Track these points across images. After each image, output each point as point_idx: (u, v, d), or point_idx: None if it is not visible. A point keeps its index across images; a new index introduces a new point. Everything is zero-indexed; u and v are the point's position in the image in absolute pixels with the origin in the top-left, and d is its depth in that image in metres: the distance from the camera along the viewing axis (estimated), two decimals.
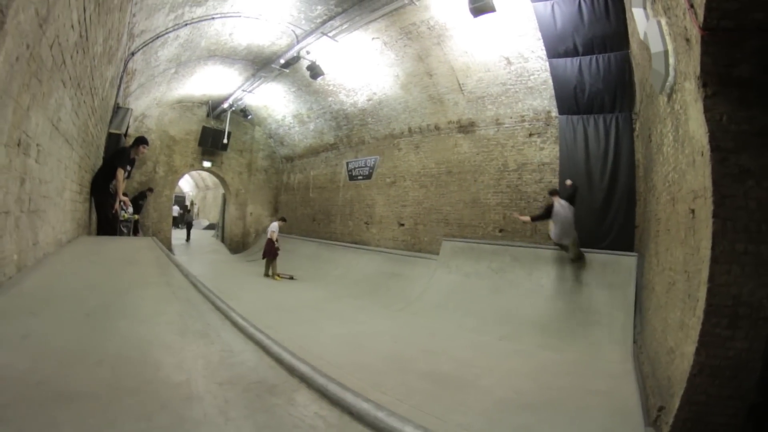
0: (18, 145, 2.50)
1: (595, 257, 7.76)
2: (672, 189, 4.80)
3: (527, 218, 8.15)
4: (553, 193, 7.69)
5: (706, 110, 3.29)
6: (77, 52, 3.70)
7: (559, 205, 7.51)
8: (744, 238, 3.17)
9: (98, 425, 1.02)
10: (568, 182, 7.76)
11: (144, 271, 3.84)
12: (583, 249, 7.93)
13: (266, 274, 12.65)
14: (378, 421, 1.19)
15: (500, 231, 10.05)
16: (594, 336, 6.70)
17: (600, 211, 8.03)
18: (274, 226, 12.79)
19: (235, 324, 2.17)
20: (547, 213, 7.61)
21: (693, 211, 3.82)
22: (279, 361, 1.63)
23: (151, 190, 15.46)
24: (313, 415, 1.25)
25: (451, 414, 4.23)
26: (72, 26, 3.23)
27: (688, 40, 3.49)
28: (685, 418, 3.40)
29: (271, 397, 1.34)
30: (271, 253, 12.63)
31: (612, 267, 7.42)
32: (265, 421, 1.16)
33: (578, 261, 7.83)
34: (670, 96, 4.58)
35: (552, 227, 7.74)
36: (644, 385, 4.91)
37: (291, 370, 1.55)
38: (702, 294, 3.32)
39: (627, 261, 7.36)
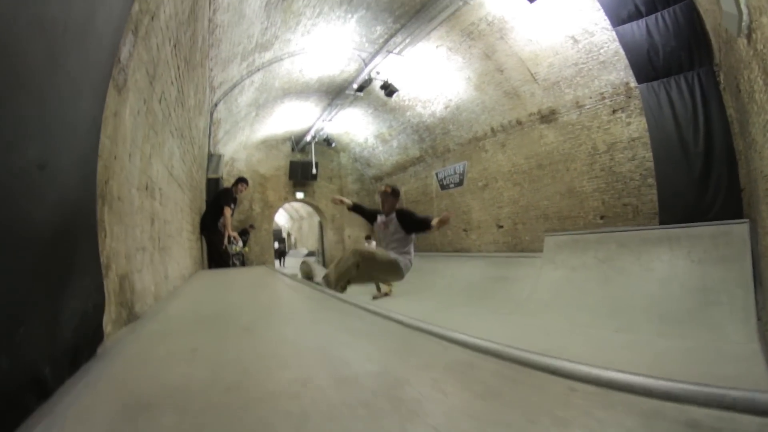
0: (146, 188, 2.99)
1: (704, 230, 7.53)
2: None
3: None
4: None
5: None
6: (178, 106, 4.46)
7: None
8: None
9: (313, 416, 1.04)
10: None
11: (278, 291, 4.22)
12: (690, 224, 7.74)
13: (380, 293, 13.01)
14: (583, 373, 1.25)
15: (601, 218, 10.11)
16: (714, 317, 6.51)
17: (700, 180, 7.76)
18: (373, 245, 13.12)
19: (398, 321, 2.19)
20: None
21: None
22: (461, 343, 1.68)
23: (252, 226, 17.15)
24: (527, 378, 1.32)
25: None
26: (172, 82, 3.94)
27: None
28: None
29: (473, 371, 1.40)
30: None
31: (723, 239, 7.19)
32: (481, 389, 1.23)
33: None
34: (749, 37, 4.43)
35: None
36: None
37: (477, 349, 1.61)
38: None
39: (739, 229, 7.08)
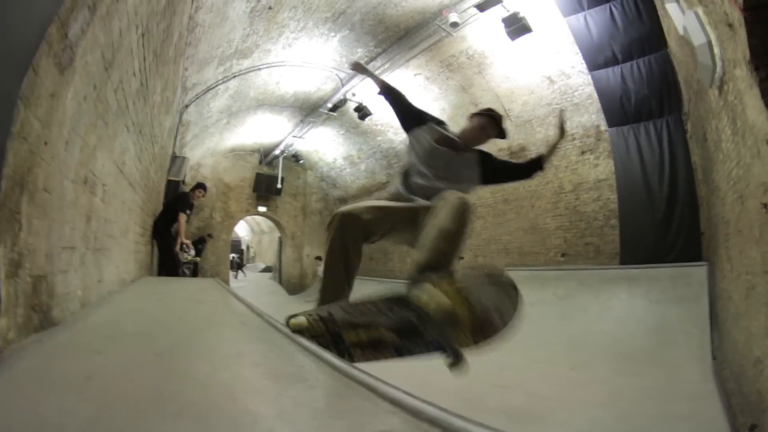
0: (84, 182, 2.67)
1: (663, 272, 7.56)
2: (738, 186, 4.60)
3: None
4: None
5: (764, 94, 3.14)
6: (138, 100, 4.06)
7: None
8: None
9: None
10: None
11: (213, 310, 3.78)
12: (649, 264, 7.80)
13: None
14: None
15: (562, 255, 10.02)
16: (670, 356, 6.50)
17: (663, 222, 7.87)
18: None
19: (333, 366, 1.84)
20: None
21: (765, 205, 3.61)
22: (399, 404, 1.38)
23: (210, 236, 16.48)
24: None
25: None
26: (134, 73, 3.57)
27: (730, 26, 3.44)
28: None
29: None
30: None
31: (682, 280, 7.22)
32: None
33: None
34: (720, 88, 4.47)
35: None
36: (730, 403, 4.68)
37: (416, 414, 1.31)
38: None
39: (697, 271, 7.12)
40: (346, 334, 2.07)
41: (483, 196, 12.08)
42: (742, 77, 3.53)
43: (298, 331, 2.16)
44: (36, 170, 1.78)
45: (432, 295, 2.07)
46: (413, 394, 1.41)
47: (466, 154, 3.12)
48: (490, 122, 3.21)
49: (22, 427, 1.06)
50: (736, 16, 3.18)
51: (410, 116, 3.41)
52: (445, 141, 3.09)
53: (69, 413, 1.16)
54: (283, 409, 1.39)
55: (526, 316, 6.95)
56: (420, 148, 3.08)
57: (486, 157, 3.25)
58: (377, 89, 3.72)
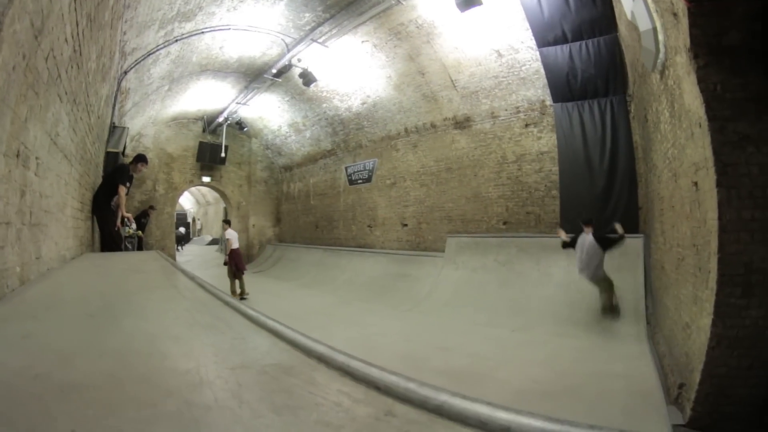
0: (17, 156, 2.53)
1: None
2: (673, 165, 4.81)
3: (565, 238, 7.29)
4: (586, 223, 6.96)
5: (700, 81, 3.33)
6: (72, 67, 3.76)
7: (584, 239, 6.92)
8: (750, 204, 3.20)
9: (97, 415, 0.97)
10: (618, 228, 6.90)
11: (150, 277, 3.87)
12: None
13: (235, 293, 11.14)
14: (410, 392, 1.14)
15: (504, 223, 10.08)
16: (606, 321, 6.71)
17: (602, 196, 8.04)
18: (232, 234, 11.59)
19: (245, 315, 2.11)
20: (572, 242, 7.11)
21: (696, 183, 3.83)
22: (294, 344, 1.59)
23: (153, 207, 15.53)
24: (336, 392, 1.21)
25: None
26: (66, 40, 3.28)
27: (675, 15, 3.55)
28: (707, 392, 3.41)
29: (288, 378, 1.30)
30: (241, 266, 11.46)
31: (619, 250, 7.33)
32: (283, 401, 1.13)
33: (607, 314, 6.78)
34: (662, 73, 4.61)
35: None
36: (662, 364, 4.93)
37: (308, 352, 1.50)
38: (713, 265, 3.33)
39: (633, 243, 7.36)
40: None
41: (427, 164, 12.10)
42: (682, 64, 3.68)
43: None
44: None
45: None
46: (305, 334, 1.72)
47: None
48: None
49: None
50: (681, 6, 3.29)
51: None
52: None
53: (2, 364, 1.29)
54: (190, 349, 1.62)
55: (469, 281, 7.07)
56: None
57: None
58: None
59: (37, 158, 2.97)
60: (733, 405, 3.33)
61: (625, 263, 7.30)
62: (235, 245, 11.37)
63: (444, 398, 1.03)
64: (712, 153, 3.27)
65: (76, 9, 3.37)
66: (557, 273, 8.07)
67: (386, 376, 1.20)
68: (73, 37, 3.49)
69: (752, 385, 3.26)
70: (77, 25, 3.56)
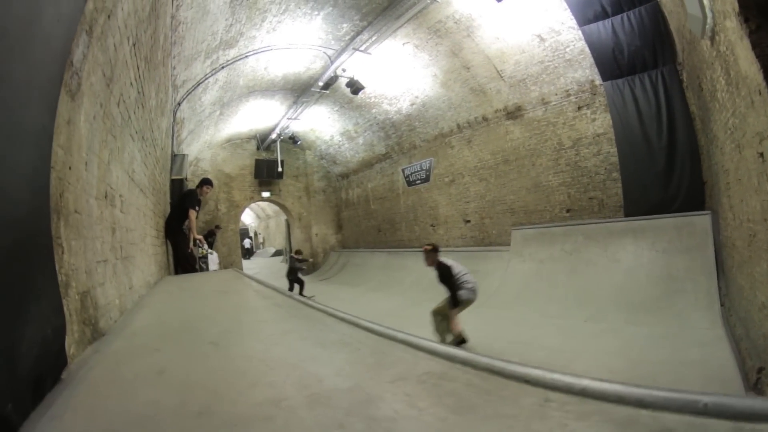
0: (105, 197, 2.84)
1: (668, 222, 7.67)
2: (735, 135, 4.59)
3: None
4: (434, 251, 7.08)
5: (755, 46, 3.18)
6: (138, 108, 4.22)
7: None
8: None
9: None
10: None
11: (245, 298, 4.09)
12: (654, 216, 7.86)
13: None
14: (557, 381, 1.24)
15: (567, 211, 10.16)
16: (679, 304, 6.65)
17: (664, 173, 7.89)
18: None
19: (370, 330, 2.11)
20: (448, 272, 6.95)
21: (762, 154, 3.64)
22: (434, 353, 1.63)
23: (218, 227, 16.81)
24: (496, 389, 1.30)
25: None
26: (131, 83, 3.72)
27: None
28: None
29: (448, 383, 1.36)
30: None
31: (687, 229, 7.33)
32: (455, 403, 1.21)
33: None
34: (712, 39, 4.45)
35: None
36: (739, 348, 4.79)
37: (450, 359, 1.56)
38: None
39: (701, 220, 7.22)
40: None
41: (483, 158, 12.27)
42: (733, 29, 3.53)
43: None
44: (66, 195, 1.94)
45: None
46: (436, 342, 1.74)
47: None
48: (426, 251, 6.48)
49: (126, 416, 1.26)
50: None
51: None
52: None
53: (157, 402, 1.35)
54: (339, 367, 1.64)
55: (537, 273, 7.24)
56: None
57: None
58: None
59: (120, 196, 3.37)
60: None
61: (693, 243, 7.17)
62: None
63: (586, 383, 1.13)
64: None
65: (135, 54, 3.81)
66: (625, 258, 8.02)
67: (530, 370, 1.33)
68: (136, 80, 3.95)
69: None
70: (138, 68, 4.01)
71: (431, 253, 7.21)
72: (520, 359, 4.40)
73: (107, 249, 2.84)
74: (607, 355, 5.68)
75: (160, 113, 6.64)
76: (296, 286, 12.90)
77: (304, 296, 12.98)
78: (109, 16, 2.69)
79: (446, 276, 6.86)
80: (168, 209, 7.91)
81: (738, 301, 5.34)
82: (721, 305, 6.24)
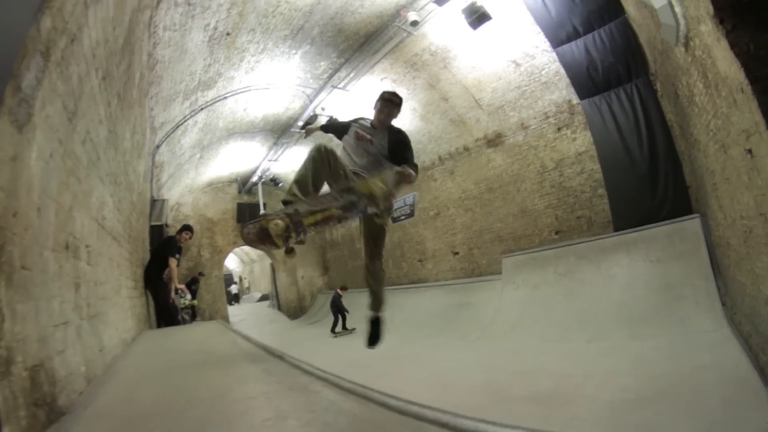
0: (66, 248, 2.50)
1: (658, 231, 7.61)
2: (719, 136, 4.66)
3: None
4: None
5: (733, 45, 3.26)
6: (110, 148, 3.94)
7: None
8: None
9: None
10: None
11: (230, 361, 3.63)
12: (643, 227, 7.80)
13: None
14: None
15: (556, 233, 10.00)
16: (681, 311, 6.52)
17: (648, 183, 7.92)
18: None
19: (386, 406, 1.84)
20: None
21: (750, 150, 3.70)
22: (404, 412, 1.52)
23: (202, 274, 16.20)
24: None
25: (568, 431, 4.20)
26: (101, 121, 3.44)
27: None
28: None
29: None
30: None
31: (678, 235, 7.26)
32: None
33: None
34: (686, 45, 4.54)
35: None
36: (749, 345, 4.72)
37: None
38: None
39: (691, 225, 7.19)
40: (305, 220, 3.11)
41: (467, 188, 12.15)
42: (708, 32, 3.62)
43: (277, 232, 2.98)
44: (9, 248, 1.61)
45: (365, 185, 3.41)
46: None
47: (383, 132, 4.05)
48: (390, 101, 4.08)
49: None
50: None
51: (339, 130, 4.34)
52: (362, 135, 4.07)
53: None
54: None
55: (532, 298, 6.96)
56: (348, 148, 4.13)
57: (396, 132, 4.18)
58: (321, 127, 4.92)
59: (87, 246, 3.02)
60: None
61: (686, 248, 7.10)
62: None
63: None
64: (762, 115, 3.14)
65: (105, 89, 3.54)
66: (620, 273, 7.88)
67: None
68: (106, 117, 3.67)
69: None
70: (109, 105, 3.73)
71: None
72: (527, 391, 4.39)
73: (69, 309, 2.47)
74: (617, 374, 5.44)
75: (137, 155, 6.38)
76: (339, 318, 13.86)
77: (346, 329, 13.65)
78: (72, 41, 2.43)
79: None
80: (147, 257, 7.51)
81: (740, 298, 5.31)
82: (723, 305, 6.16)
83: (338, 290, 14.80)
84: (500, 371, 6.56)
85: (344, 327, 13.74)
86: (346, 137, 4.18)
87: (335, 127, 4.53)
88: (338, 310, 13.90)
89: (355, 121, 4.25)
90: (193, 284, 14.86)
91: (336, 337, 13.29)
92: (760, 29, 3.21)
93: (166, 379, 2.91)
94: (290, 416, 1.87)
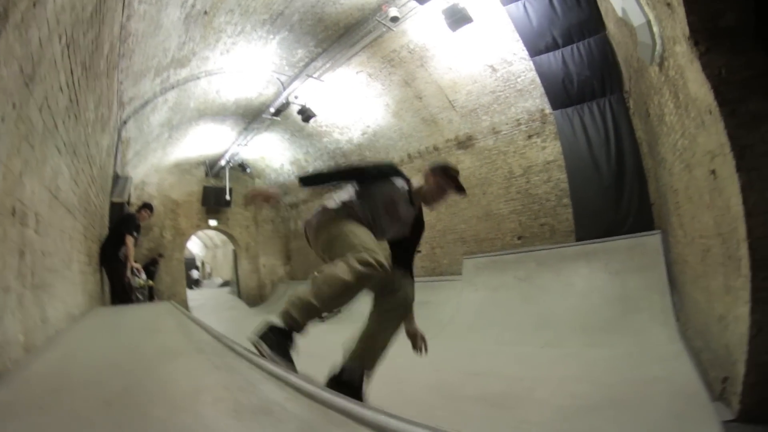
0: (13, 213, 2.39)
1: (619, 244, 7.71)
2: (684, 156, 4.74)
3: None
4: None
5: (705, 67, 3.31)
6: (69, 117, 3.74)
7: None
8: None
9: None
10: None
11: (169, 339, 3.52)
12: (605, 238, 7.90)
13: None
14: None
15: (519, 238, 10.05)
16: (636, 323, 6.56)
17: (613, 197, 8.03)
18: None
19: (301, 392, 1.73)
20: None
21: (713, 171, 3.75)
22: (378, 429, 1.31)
23: (161, 255, 15.68)
24: None
25: None
26: (61, 89, 3.26)
27: (669, 5, 3.57)
28: (754, 382, 3.28)
29: None
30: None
31: (638, 249, 7.36)
32: None
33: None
34: (661, 65, 4.60)
35: None
36: (700, 360, 4.76)
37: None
38: (744, 252, 3.23)
39: (652, 240, 7.30)
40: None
41: None
42: (683, 53, 3.64)
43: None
44: None
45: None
46: (394, 414, 1.35)
47: (409, 213, 3.13)
48: (449, 181, 3.10)
49: None
50: None
51: (364, 177, 3.17)
52: (395, 203, 3.06)
53: None
54: None
55: (491, 301, 6.87)
56: (368, 211, 3.04)
57: (421, 223, 3.32)
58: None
59: (36, 214, 2.87)
60: None
61: (645, 262, 7.20)
62: None
63: None
64: (728, 138, 3.21)
65: (69, 57, 3.35)
66: (579, 282, 7.93)
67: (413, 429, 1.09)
68: (68, 86, 3.48)
69: None
70: (72, 73, 3.53)
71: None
72: (478, 391, 4.13)
73: (11, 276, 2.36)
74: (569, 380, 5.35)
75: (101, 129, 6.03)
76: None
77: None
78: (34, 4, 2.28)
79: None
80: (105, 234, 7.17)
81: (694, 314, 5.39)
82: (677, 320, 6.23)
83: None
84: (453, 371, 6.40)
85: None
86: (371, 190, 3.07)
87: (354, 172, 3.19)
88: None
89: (392, 174, 3.13)
90: (151, 265, 14.40)
91: (324, 321, 12.88)
92: (734, 54, 3.27)
93: (101, 352, 2.89)
94: (205, 392, 1.85)
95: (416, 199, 3.08)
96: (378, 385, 6.07)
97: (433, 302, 10.66)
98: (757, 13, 3.18)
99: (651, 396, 4.38)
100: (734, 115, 3.21)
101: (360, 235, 2.74)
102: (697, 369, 4.60)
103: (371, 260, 2.51)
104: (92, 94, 4.80)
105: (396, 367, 6.83)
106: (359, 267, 2.49)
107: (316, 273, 2.77)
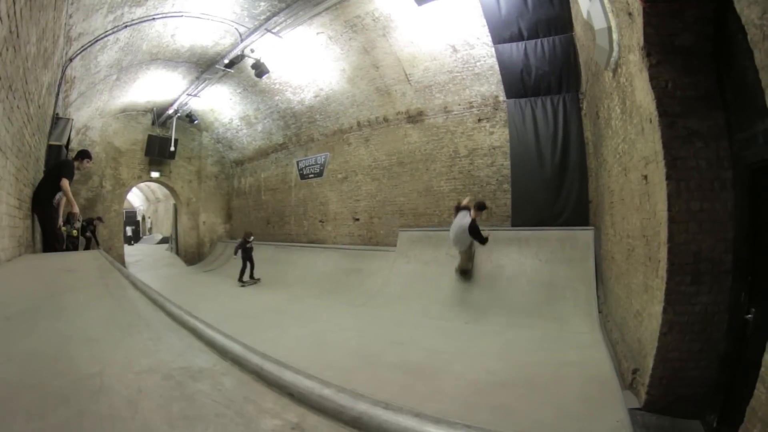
0: None
1: (552, 234, 7.82)
2: (623, 159, 4.88)
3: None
4: (479, 208, 7.76)
5: (652, 78, 3.39)
6: (7, 50, 3.28)
7: (462, 219, 7.64)
8: (698, 196, 3.27)
9: None
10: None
11: (82, 276, 3.53)
12: (540, 227, 7.99)
13: None
14: (324, 399, 0.99)
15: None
16: (560, 310, 6.73)
17: (553, 190, 8.10)
18: None
19: (168, 313, 1.92)
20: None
21: (646, 177, 3.90)
22: (211, 344, 1.43)
23: (100, 219, 13.93)
24: (242, 400, 1.08)
25: (427, 402, 4.09)
26: (0, 18, 2.86)
27: (630, 14, 3.60)
28: (661, 376, 3.47)
29: (194, 383, 1.16)
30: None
31: (570, 242, 7.50)
32: (181, 411, 0.99)
33: (461, 274, 8.14)
34: (615, 71, 4.64)
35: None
36: (615, 351, 4.95)
37: (223, 353, 1.36)
38: (663, 255, 3.40)
39: (584, 235, 7.46)
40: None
41: (379, 158, 11.94)
42: (635, 62, 3.74)
43: None
44: None
45: None
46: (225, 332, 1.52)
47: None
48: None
49: None
50: (636, 6, 3.33)
51: None
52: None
53: None
54: (100, 351, 1.40)
55: (422, 275, 6.84)
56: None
57: None
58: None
59: None
60: (686, 387, 3.39)
61: (576, 255, 7.34)
62: None
63: (363, 408, 0.88)
64: (662, 147, 3.33)
65: None
66: (509, 265, 8.01)
67: (300, 380, 1.07)
68: (8, 16, 3.07)
69: (703, 367, 3.34)
70: (14, 2, 3.14)
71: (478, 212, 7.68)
72: (398, 360, 3.97)
73: None
74: (487, 356, 5.47)
75: (42, 65, 5.30)
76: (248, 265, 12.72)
77: (254, 278, 12.55)
78: None
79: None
80: (40, 178, 6.37)
81: (615, 308, 5.57)
82: (599, 312, 6.42)
83: (248, 237, 13.11)
84: (377, 338, 6.46)
85: (252, 276, 12.76)
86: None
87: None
88: (248, 257, 12.77)
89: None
90: (88, 226, 13.11)
91: (243, 286, 12.28)
92: (684, 72, 3.35)
93: (17, 288, 2.79)
94: (92, 310, 2.06)
95: None
96: (302, 346, 5.94)
97: (365, 270, 10.55)
98: (716, 40, 3.22)
99: (564, 378, 4.50)
100: (673, 128, 3.32)
101: None
102: (611, 358, 4.79)
103: None
104: (36, 26, 4.24)
105: (322, 330, 6.72)
106: None
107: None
